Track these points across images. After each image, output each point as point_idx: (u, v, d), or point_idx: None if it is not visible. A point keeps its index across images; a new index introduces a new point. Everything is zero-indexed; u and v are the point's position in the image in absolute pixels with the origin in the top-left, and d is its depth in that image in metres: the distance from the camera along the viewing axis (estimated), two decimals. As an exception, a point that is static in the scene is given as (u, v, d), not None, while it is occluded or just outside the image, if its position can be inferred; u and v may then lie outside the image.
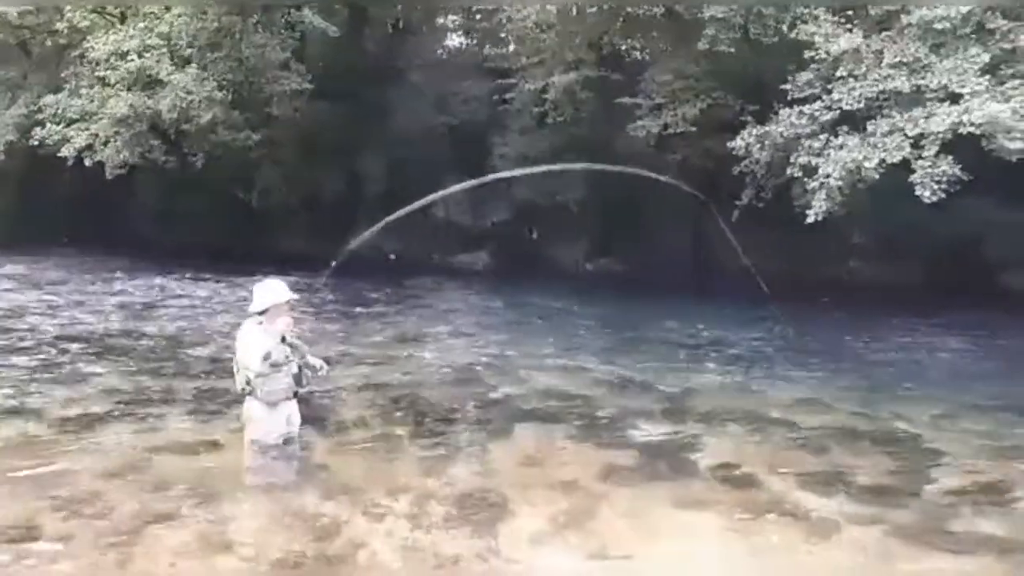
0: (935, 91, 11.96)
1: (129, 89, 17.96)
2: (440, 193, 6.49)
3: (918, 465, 6.12)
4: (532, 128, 20.67)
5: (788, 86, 13.74)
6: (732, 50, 14.93)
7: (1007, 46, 12.02)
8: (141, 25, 18.51)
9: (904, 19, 12.68)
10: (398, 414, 7.20)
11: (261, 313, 5.70)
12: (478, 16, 24.82)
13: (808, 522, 4.97)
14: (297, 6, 19.75)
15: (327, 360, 6.26)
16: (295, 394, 5.88)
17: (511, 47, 23.22)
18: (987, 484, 5.73)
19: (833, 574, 4.50)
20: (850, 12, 13.78)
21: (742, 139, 14.30)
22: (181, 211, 23.81)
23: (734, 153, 14.56)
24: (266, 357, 5.53)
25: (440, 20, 26.25)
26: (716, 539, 4.82)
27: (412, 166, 22.54)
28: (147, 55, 17.77)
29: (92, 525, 4.69)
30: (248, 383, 5.69)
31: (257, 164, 21.64)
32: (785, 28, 14.26)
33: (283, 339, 5.67)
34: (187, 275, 16.47)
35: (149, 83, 17.96)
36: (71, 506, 4.91)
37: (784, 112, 13.59)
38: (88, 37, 19.08)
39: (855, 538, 4.80)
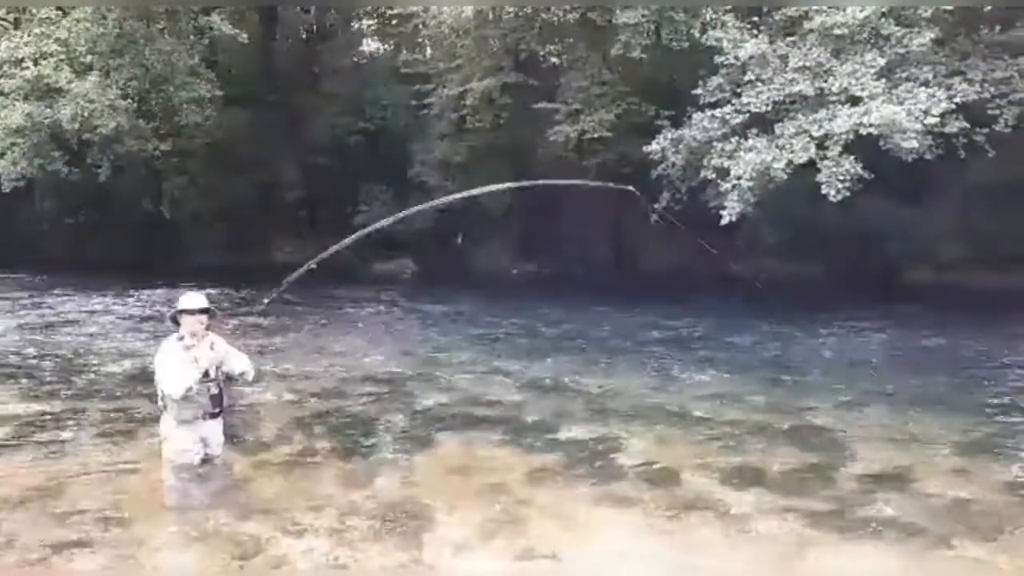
0: (837, 94, 12.52)
1: (26, 98, 17.14)
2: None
3: (829, 456, 6.36)
4: (452, 133, 20.68)
5: (700, 91, 14.13)
6: (645, 56, 15.26)
7: (900, 51, 12.68)
8: (37, 31, 17.68)
9: (806, 25, 13.23)
10: (320, 428, 7.06)
11: (176, 324, 5.53)
12: (394, 21, 24.70)
13: (728, 516, 5.11)
14: (205, 11, 19.21)
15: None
16: (216, 414, 5.69)
17: (428, 52, 23.18)
18: (893, 472, 5.99)
19: (753, 564, 4.63)
20: (756, 18, 14.29)
21: (657, 143, 14.64)
22: (87, 225, 22.88)
23: (651, 157, 14.88)
24: (188, 390, 5.37)
25: (355, 25, 25.99)
26: (640, 536, 4.90)
27: (329, 173, 22.23)
28: (44, 62, 17.00)
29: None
30: (162, 399, 5.51)
31: (167, 174, 20.97)
32: (696, 34, 14.68)
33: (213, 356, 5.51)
34: (95, 292, 15.77)
35: (48, 92, 17.16)
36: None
37: (696, 116, 13.99)
38: (-21, 44, 18.11)
39: (772, 529, 4.95)
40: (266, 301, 6.21)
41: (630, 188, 6.90)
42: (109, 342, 11.23)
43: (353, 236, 5.93)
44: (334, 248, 5.88)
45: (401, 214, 6.54)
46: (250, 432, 6.75)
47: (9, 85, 17.23)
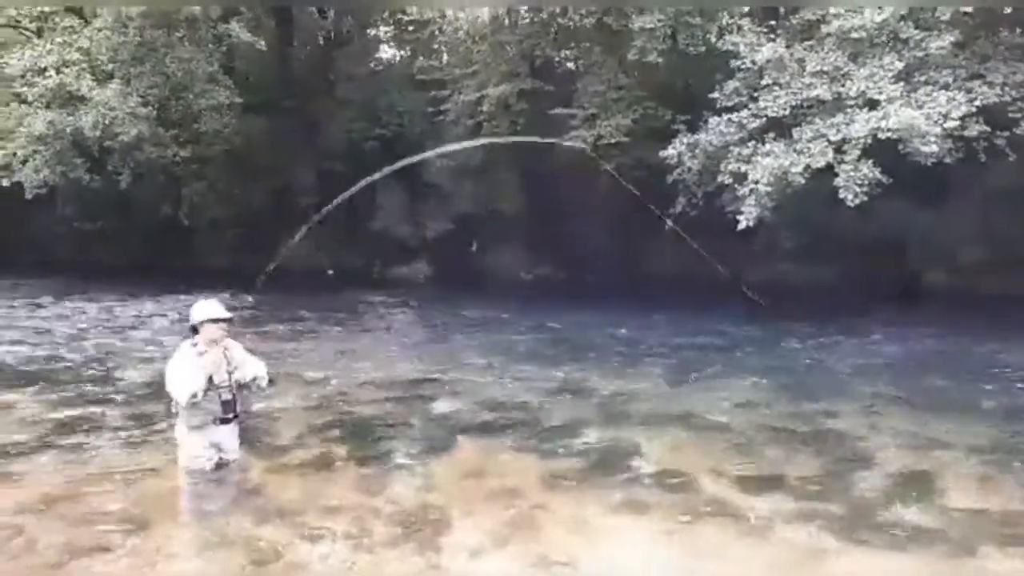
0: (855, 98, 12.40)
1: (48, 106, 17.33)
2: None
3: (847, 461, 6.31)
4: (468, 140, 20.68)
5: (716, 95, 14.07)
6: (661, 60, 15.22)
7: (919, 54, 12.55)
8: (59, 40, 17.85)
9: (824, 28, 13.14)
10: (337, 432, 7.09)
11: (194, 333, 5.58)
12: (410, 27, 24.77)
13: (745, 522, 5.08)
14: (224, 19, 19.38)
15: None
16: (229, 419, 5.72)
17: (444, 58, 23.24)
18: (913, 478, 5.93)
19: (770, 570, 4.60)
20: (773, 22, 14.22)
21: (674, 148, 14.56)
22: (108, 231, 23.10)
23: (667, 162, 14.81)
24: (193, 396, 5.42)
25: (372, 32, 26.08)
26: (655, 542, 4.88)
27: (344, 179, 22.28)
28: (66, 71, 17.18)
29: (14, 561, 4.48)
30: (175, 404, 5.57)
31: (186, 180, 21.14)
32: (712, 38, 14.60)
33: (227, 362, 5.55)
34: (115, 296, 15.92)
35: (70, 99, 17.34)
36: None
37: (713, 120, 13.91)
38: (2, 53, 18.36)
39: (790, 535, 4.92)
40: (251, 299, 6.29)
41: (582, 146, 7.07)
42: (128, 346, 11.32)
43: (315, 218, 6.06)
44: (301, 234, 5.99)
45: (369, 178, 6.59)
46: (268, 437, 6.79)
47: (32, 93, 17.41)
